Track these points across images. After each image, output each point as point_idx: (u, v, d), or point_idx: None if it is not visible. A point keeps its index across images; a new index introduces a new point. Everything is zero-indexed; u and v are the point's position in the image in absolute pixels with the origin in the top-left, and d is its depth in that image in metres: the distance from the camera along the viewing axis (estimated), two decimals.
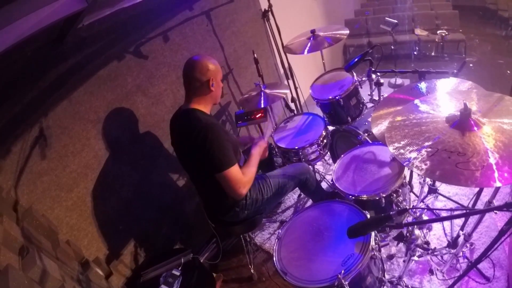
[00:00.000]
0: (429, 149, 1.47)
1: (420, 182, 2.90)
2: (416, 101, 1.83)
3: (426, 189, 2.96)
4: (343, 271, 1.69)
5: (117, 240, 2.69)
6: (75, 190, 2.38)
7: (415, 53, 6.66)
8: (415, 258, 2.40)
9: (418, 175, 2.80)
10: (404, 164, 1.48)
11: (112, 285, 2.44)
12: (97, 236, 2.54)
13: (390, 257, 2.71)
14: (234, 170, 2.19)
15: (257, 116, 2.87)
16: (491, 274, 2.43)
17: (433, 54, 6.83)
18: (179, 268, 2.44)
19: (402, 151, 1.53)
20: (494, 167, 1.28)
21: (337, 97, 3.06)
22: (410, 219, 2.49)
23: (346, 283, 1.67)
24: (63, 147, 2.29)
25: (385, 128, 1.76)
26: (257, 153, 2.51)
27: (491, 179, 1.26)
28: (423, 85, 2.29)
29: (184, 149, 2.38)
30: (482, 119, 1.52)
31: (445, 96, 1.83)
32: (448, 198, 3.00)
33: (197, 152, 2.19)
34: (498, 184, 1.24)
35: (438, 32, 6.28)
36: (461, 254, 2.36)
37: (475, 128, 1.48)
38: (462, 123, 1.52)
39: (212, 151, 2.13)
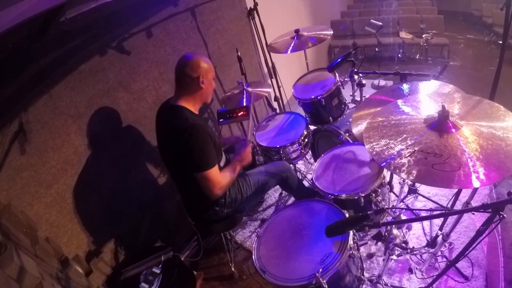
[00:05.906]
0: (406, 150, 1.48)
1: (400, 183, 2.93)
2: (396, 103, 1.85)
3: (406, 189, 3.00)
4: (321, 270, 1.71)
5: (97, 238, 2.65)
6: (54, 186, 2.34)
7: (399, 55, 6.72)
8: (394, 257, 2.44)
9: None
10: (381, 165, 1.50)
11: (92, 283, 2.40)
12: (77, 233, 2.51)
13: (370, 256, 2.74)
14: (214, 172, 2.22)
15: (239, 114, 2.88)
16: (469, 273, 2.48)
17: (417, 57, 6.90)
18: (160, 266, 2.43)
19: (379, 150, 1.55)
20: (471, 169, 1.30)
21: (318, 97, 3.08)
22: (390, 218, 2.52)
23: (324, 281, 1.68)
24: (43, 142, 2.26)
25: (364, 128, 1.77)
26: (237, 161, 2.52)
27: (467, 180, 1.27)
28: (405, 87, 2.32)
29: (167, 145, 2.38)
30: (460, 121, 1.54)
31: (425, 98, 1.85)
32: (428, 199, 3.05)
33: (179, 150, 2.20)
34: (474, 185, 1.26)
35: (423, 36, 6.36)
36: (439, 253, 2.39)
37: (453, 130, 1.50)
38: (440, 125, 1.54)
39: (195, 151, 2.15)
